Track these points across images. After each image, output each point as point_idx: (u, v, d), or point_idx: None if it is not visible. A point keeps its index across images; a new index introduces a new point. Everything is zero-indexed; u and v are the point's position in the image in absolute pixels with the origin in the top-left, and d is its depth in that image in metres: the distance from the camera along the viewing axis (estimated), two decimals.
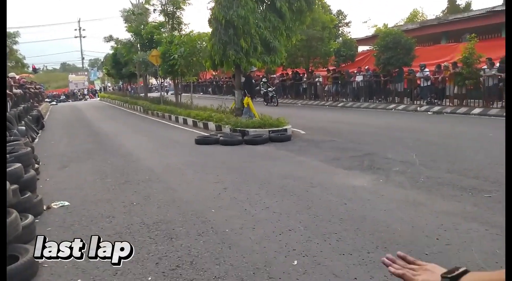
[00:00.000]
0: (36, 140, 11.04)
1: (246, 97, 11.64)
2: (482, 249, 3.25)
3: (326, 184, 5.43)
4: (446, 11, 32.24)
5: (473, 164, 6.16)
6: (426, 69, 15.81)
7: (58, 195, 5.40)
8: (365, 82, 18.66)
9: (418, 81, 16.06)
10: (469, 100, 13.93)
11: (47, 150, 9.42)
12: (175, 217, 4.36)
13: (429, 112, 14.10)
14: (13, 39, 42.22)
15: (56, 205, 4.95)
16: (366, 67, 19.45)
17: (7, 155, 4.89)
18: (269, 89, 20.76)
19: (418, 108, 14.96)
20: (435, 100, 15.22)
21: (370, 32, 32.68)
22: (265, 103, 20.01)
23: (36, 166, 6.53)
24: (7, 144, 5.66)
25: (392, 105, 16.27)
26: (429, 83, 15.55)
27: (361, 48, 24.72)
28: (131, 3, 23.46)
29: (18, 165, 4.47)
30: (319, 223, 4.00)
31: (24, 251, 3.23)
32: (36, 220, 4.16)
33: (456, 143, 8.05)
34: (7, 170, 4.23)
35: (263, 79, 21.95)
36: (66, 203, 5.01)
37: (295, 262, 3.17)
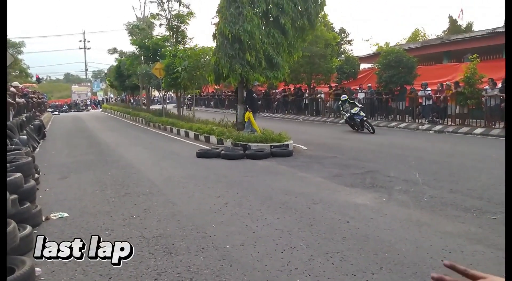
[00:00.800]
0: (37, 150, 11.01)
1: (247, 112, 11.65)
2: (488, 272, 3.17)
3: (328, 201, 5.37)
4: (447, 31, 32.57)
5: (476, 184, 6.11)
6: (428, 88, 15.89)
7: (57, 206, 5.34)
8: (367, 100, 18.72)
9: (420, 100, 16.11)
10: (471, 120, 13.94)
11: (47, 159, 9.38)
12: (175, 232, 4.29)
13: (430, 131, 14.09)
14: (18, 49, 42.63)
15: (55, 216, 4.89)
16: (368, 85, 19.55)
17: (8, 164, 4.86)
18: (355, 110, 13.81)
19: (420, 126, 14.96)
20: (437, 119, 15.23)
21: (372, 50, 32.97)
22: (355, 129, 14.12)
23: (36, 175, 6.48)
24: (8, 153, 5.63)
25: (394, 123, 16.27)
26: (431, 102, 15.60)
27: (363, 66, 24.90)
28: (136, 16, 23.78)
29: (18, 174, 4.44)
30: (321, 241, 3.94)
31: (20, 263, 3.16)
32: (34, 231, 4.10)
33: (458, 163, 8.01)
34: (7, 179, 4.20)
35: (342, 97, 15.20)
36: (65, 214, 4.96)
37: None
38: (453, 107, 14.56)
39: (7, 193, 3.46)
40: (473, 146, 10.72)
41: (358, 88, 19.81)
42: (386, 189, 6.03)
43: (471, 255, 3.56)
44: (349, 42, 30.78)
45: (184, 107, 22.71)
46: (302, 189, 6.17)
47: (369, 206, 5.17)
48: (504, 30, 1.91)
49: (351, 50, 30.75)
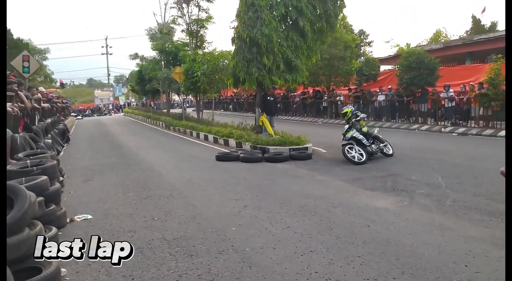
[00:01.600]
0: (62, 153, 11.31)
1: (262, 115, 11.70)
2: None
3: (348, 205, 5.33)
4: (470, 31, 31.86)
5: (501, 188, 5.91)
6: (451, 90, 15.55)
7: (81, 208, 5.48)
8: (387, 102, 18.47)
9: (443, 102, 15.79)
10: (495, 122, 13.57)
11: (71, 163, 9.63)
12: (196, 234, 4.34)
13: (453, 134, 13.78)
14: (43, 55, 43.99)
15: (79, 218, 5.02)
16: (388, 87, 19.30)
17: (34, 167, 5.02)
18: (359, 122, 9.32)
19: (443, 129, 14.65)
20: (460, 122, 14.89)
21: (392, 51, 32.55)
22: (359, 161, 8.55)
23: (61, 178, 6.66)
24: (34, 157, 5.82)
25: (415, 126, 15.99)
26: (453, 104, 15.27)
27: (383, 68, 24.60)
28: (157, 22, 24.20)
29: (44, 177, 4.57)
30: (341, 245, 3.91)
31: (47, 264, 3.26)
32: (59, 233, 4.22)
33: (482, 166, 7.80)
34: (34, 182, 4.34)
35: (348, 107, 9.97)
36: (89, 216, 5.08)
37: None
38: (476, 109, 14.21)
39: (34, 195, 3.57)
40: (497, 148, 10.41)
41: (378, 91, 19.57)
42: (407, 192, 5.94)
43: (496, 260, 3.47)
44: (369, 43, 30.49)
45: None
46: (322, 192, 6.14)
47: (390, 209, 5.10)
48: None
49: (371, 52, 30.47)
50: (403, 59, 17.13)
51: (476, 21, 31.74)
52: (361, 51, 28.84)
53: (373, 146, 8.95)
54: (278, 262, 3.55)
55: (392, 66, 22.46)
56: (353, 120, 9.15)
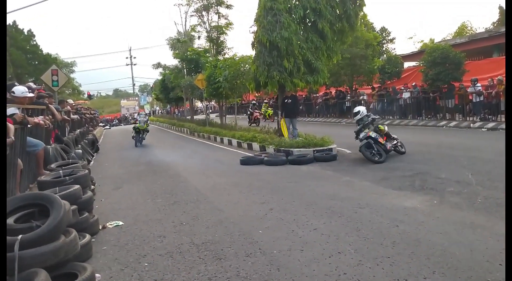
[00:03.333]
0: (92, 162, 11.66)
1: (281, 118, 11.74)
2: None
3: (375, 205, 5.27)
4: (497, 23, 30.84)
5: None
6: (478, 84, 15.12)
7: (112, 215, 5.65)
8: (413, 99, 18.11)
9: (470, 97, 15.36)
10: None
11: (101, 171, 9.92)
12: (223, 238, 4.40)
13: (483, 129, 13.37)
14: (70, 68, 45.56)
15: (111, 224, 5.17)
16: (413, 84, 18.92)
17: (67, 177, 5.21)
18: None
19: (471, 124, 14.24)
20: (489, 116, 14.43)
21: (416, 47, 31.92)
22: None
23: (92, 187, 6.88)
24: (66, 167, 6.04)
25: (443, 122, 15.60)
26: (482, 98, 14.83)
27: (407, 64, 24.15)
28: (178, 31, 24.66)
29: (77, 186, 4.73)
30: (370, 246, 3.87)
31: (82, 269, 3.39)
32: (92, 239, 4.36)
33: None
34: (68, 191, 4.51)
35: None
36: (120, 223, 5.23)
37: None
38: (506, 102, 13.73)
39: (68, 204, 3.71)
40: None
41: (402, 88, 19.22)
42: (437, 191, 5.81)
43: None
44: (391, 40, 30.05)
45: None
46: (348, 193, 6.09)
47: (419, 209, 5.01)
48: None
49: (394, 48, 29.99)
50: (427, 55, 16.79)
51: (503, 12, 30.69)
52: (384, 49, 28.43)
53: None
54: (306, 264, 3.56)
55: (416, 62, 22.03)
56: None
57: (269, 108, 25.00)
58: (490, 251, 3.55)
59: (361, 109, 9.45)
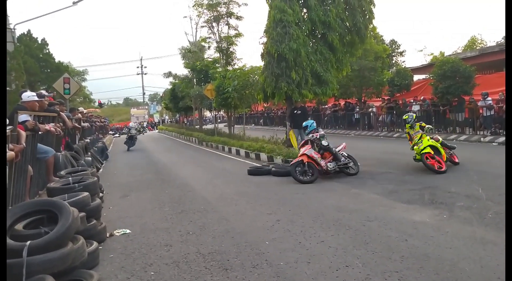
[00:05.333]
0: (101, 170, 11.74)
1: (290, 130, 11.76)
2: None
3: (384, 218, 5.21)
4: None
5: None
6: (489, 98, 14.99)
7: (120, 223, 5.66)
8: (423, 112, 18.01)
9: (481, 111, 15.22)
10: None
11: (110, 179, 9.98)
12: (230, 248, 4.38)
13: (494, 143, 13.21)
14: (82, 76, 46.23)
15: (118, 232, 5.18)
16: (422, 97, 18.85)
17: (76, 184, 5.26)
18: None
19: (482, 139, 14.08)
20: (500, 130, 14.26)
21: (426, 60, 31.86)
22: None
23: (101, 194, 6.92)
24: (75, 174, 6.10)
25: (453, 136, 15.46)
26: (492, 112, 14.69)
27: (416, 77, 24.08)
28: (189, 41, 24.94)
29: (86, 193, 4.77)
30: (378, 260, 3.83)
31: (89, 277, 3.40)
32: (99, 247, 4.37)
33: None
34: (76, 198, 4.54)
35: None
36: (128, 231, 5.24)
37: None
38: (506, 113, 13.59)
39: (77, 211, 3.73)
40: None
41: (412, 101, 19.14)
42: (446, 205, 5.73)
43: None
44: (401, 53, 30.06)
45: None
46: (356, 205, 6.04)
47: (428, 223, 4.94)
48: None
49: (403, 61, 29.99)
50: (437, 68, 16.73)
51: None
52: (393, 61, 28.43)
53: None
54: (313, 277, 3.52)
55: (426, 75, 21.96)
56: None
57: None
58: (501, 268, 3.47)
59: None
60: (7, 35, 14.70)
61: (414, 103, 18.74)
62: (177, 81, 27.66)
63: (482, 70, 19.62)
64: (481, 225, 4.74)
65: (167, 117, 57.27)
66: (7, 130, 4.08)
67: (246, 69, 17.16)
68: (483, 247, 4.00)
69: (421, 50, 64.34)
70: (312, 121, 9.51)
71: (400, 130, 19.02)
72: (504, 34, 32.08)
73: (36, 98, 6.50)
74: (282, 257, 4.02)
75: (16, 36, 19.07)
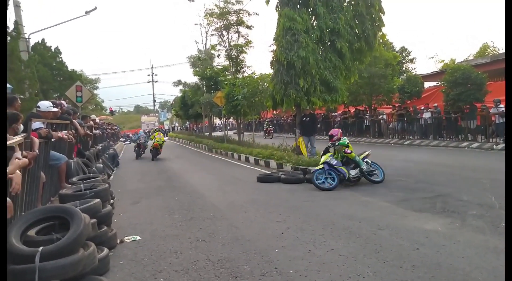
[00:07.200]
0: (112, 177, 11.85)
1: (299, 137, 11.74)
2: None
3: (395, 227, 5.16)
4: None
5: None
6: (501, 105, 14.80)
7: (130, 229, 5.70)
8: (434, 119, 17.85)
9: (493, 118, 15.03)
10: None
11: (121, 186, 10.06)
12: (239, 255, 4.37)
13: None
14: (94, 84, 46.84)
15: (128, 239, 5.21)
16: (434, 104, 18.69)
17: (87, 191, 5.31)
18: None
19: (494, 146, 13.90)
20: None
21: (437, 67, 31.64)
22: None
23: (112, 201, 6.97)
24: (87, 180, 6.17)
25: (465, 144, 15.29)
26: (505, 119, 14.48)
27: (427, 84, 23.92)
28: (199, 49, 25.16)
29: (97, 200, 4.82)
30: (389, 268, 3.78)
31: None
32: (110, 253, 4.39)
33: None
34: (88, 205, 4.59)
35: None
36: (138, 238, 5.26)
37: None
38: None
39: (88, 217, 3.77)
40: None
41: (423, 108, 18.99)
42: (459, 214, 5.66)
43: None
44: (411, 60, 29.94)
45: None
46: (366, 213, 5.99)
47: (440, 232, 4.88)
48: None
49: (414, 68, 29.85)
50: (448, 75, 16.63)
51: None
52: (404, 69, 28.31)
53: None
54: None
55: (437, 82, 21.81)
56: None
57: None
58: None
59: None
60: (22, 45, 15.00)
61: (425, 110, 18.59)
62: (186, 89, 27.89)
63: (494, 77, 19.39)
64: (494, 234, 4.67)
65: (177, 124, 57.65)
66: (21, 138, 4.15)
67: (255, 76, 17.23)
68: (497, 257, 3.93)
69: (432, 57, 63.79)
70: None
71: (411, 137, 18.86)
72: None
73: (54, 110, 6.66)
74: (291, 265, 4.00)
75: (31, 45, 19.43)
